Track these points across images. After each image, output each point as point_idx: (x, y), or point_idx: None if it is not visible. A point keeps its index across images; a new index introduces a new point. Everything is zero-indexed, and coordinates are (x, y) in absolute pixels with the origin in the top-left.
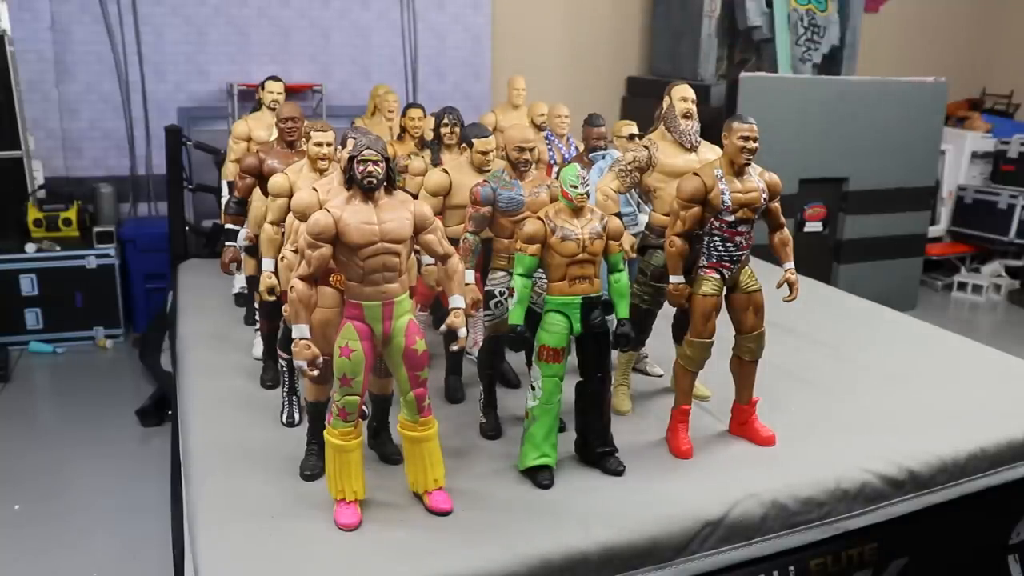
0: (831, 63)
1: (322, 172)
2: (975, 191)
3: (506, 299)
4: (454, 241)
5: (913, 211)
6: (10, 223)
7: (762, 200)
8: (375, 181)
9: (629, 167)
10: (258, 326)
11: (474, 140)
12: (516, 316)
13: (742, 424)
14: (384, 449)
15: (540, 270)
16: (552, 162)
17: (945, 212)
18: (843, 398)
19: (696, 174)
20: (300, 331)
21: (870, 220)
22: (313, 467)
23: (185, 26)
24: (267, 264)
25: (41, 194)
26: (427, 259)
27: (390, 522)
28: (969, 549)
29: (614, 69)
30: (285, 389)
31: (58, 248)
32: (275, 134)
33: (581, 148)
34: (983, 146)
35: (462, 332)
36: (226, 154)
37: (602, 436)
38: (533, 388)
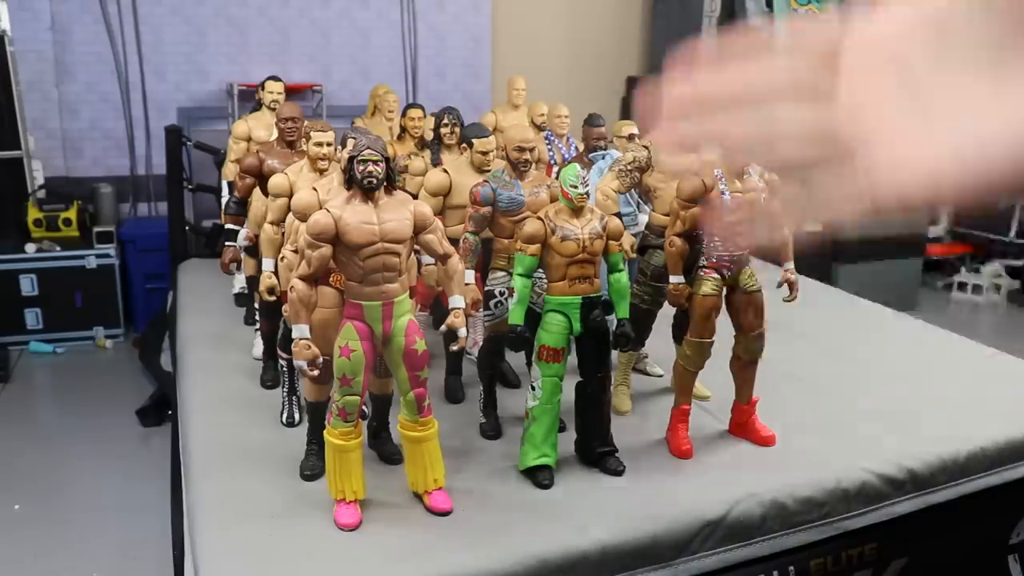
0: None
1: (322, 172)
2: None
3: (506, 299)
4: (454, 241)
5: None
6: (10, 223)
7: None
8: (375, 181)
9: (629, 167)
10: (258, 326)
11: (474, 140)
12: (516, 316)
13: (742, 424)
14: (384, 449)
15: (540, 270)
16: (552, 162)
17: (945, 212)
18: (843, 398)
19: (696, 174)
20: (300, 331)
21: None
22: (313, 467)
23: (185, 26)
24: (267, 264)
25: (41, 194)
26: (427, 259)
27: (390, 522)
28: (969, 549)
29: (614, 69)
30: (285, 389)
31: (58, 248)
32: (275, 134)
33: (581, 148)
34: None
35: (462, 332)
36: (226, 154)
37: (602, 436)
38: (533, 388)
